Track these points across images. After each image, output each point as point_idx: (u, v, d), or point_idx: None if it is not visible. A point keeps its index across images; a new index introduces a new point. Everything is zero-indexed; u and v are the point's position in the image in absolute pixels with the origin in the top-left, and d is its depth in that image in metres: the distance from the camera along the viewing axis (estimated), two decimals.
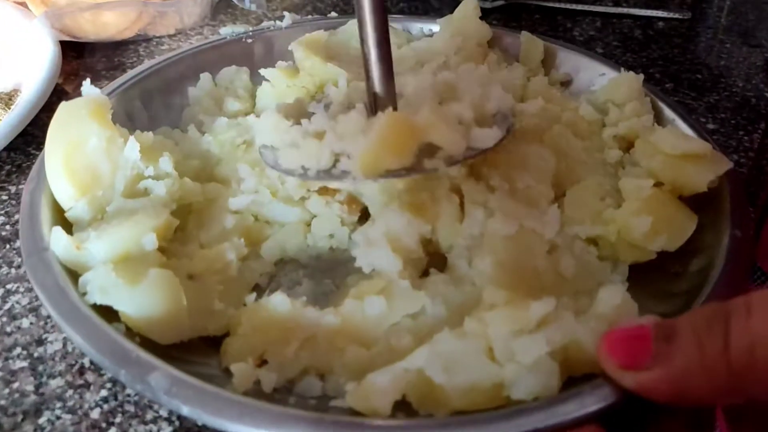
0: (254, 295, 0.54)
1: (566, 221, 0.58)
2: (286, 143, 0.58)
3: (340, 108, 0.61)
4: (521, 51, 0.79)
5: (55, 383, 0.51)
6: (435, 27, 0.82)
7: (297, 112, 0.62)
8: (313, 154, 0.55)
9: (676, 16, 1.01)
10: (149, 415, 0.49)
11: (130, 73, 0.72)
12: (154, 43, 0.95)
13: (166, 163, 0.59)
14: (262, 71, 0.74)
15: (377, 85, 0.57)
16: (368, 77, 0.57)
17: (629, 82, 0.69)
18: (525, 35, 0.79)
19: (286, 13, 0.83)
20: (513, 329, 0.43)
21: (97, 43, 0.93)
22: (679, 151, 0.58)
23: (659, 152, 0.59)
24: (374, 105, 0.57)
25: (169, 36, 0.97)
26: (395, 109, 0.56)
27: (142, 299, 0.48)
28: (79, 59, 0.91)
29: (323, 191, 0.61)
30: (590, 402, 0.42)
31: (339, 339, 0.50)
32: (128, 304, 0.47)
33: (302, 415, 0.41)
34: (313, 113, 0.60)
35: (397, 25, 0.83)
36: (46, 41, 0.82)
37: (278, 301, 0.51)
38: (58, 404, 0.50)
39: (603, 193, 0.60)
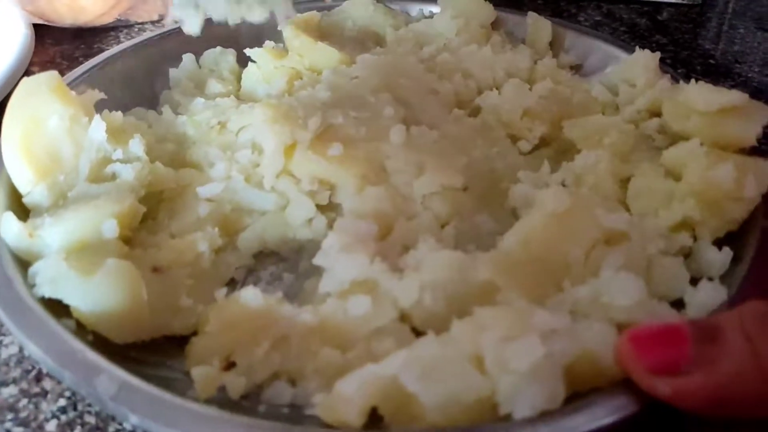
0: (225, 290, 0.48)
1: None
2: None
3: None
4: (528, 33, 0.76)
5: (8, 392, 0.46)
6: (435, 8, 0.79)
7: None
8: None
9: (685, 1, 0.97)
10: (111, 428, 0.44)
11: (108, 52, 0.68)
12: (136, 29, 0.91)
13: (136, 145, 0.54)
14: (248, 51, 0.70)
15: None
16: None
17: (645, 61, 0.65)
18: (531, 16, 0.75)
19: None
20: (507, 335, 0.38)
21: (75, 29, 0.89)
22: (716, 106, 0.53)
23: (693, 112, 0.54)
24: None
25: (152, 22, 0.92)
26: None
27: (95, 292, 0.43)
28: (56, 46, 0.87)
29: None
30: (603, 413, 0.37)
31: (314, 340, 0.44)
32: (80, 298, 0.43)
33: (269, 427, 0.37)
34: None
35: (394, 6, 0.79)
36: (16, 23, 0.77)
37: (249, 296, 0.45)
38: (10, 415, 0.45)
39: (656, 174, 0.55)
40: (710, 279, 0.47)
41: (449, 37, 0.72)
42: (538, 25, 0.75)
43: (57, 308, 0.43)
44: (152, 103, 0.68)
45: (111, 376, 0.38)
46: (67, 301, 0.43)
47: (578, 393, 0.39)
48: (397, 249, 0.50)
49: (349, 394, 0.38)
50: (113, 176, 0.53)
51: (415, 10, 0.80)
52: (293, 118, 0.56)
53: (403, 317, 0.45)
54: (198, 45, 0.71)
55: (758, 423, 0.38)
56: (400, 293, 0.44)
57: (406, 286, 0.44)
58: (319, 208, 0.56)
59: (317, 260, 0.48)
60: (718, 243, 0.50)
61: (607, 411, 0.37)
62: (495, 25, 0.76)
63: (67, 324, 0.42)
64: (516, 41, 0.76)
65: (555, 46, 0.75)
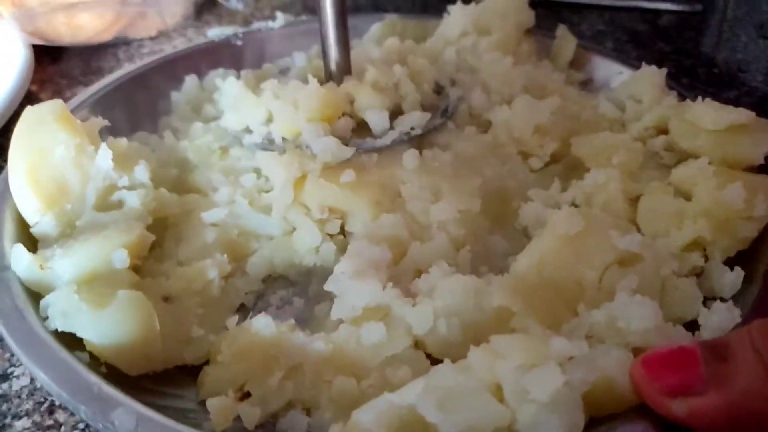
0: (236, 318, 0.48)
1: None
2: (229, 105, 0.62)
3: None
4: (554, 45, 0.75)
5: (21, 425, 0.45)
6: None
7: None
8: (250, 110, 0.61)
9: (686, 8, 0.96)
10: None
11: (110, 77, 0.68)
12: (135, 46, 0.90)
13: (141, 172, 0.54)
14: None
15: (332, 64, 0.63)
16: (325, 55, 0.62)
17: (651, 77, 0.65)
18: (561, 29, 0.75)
19: (278, 13, 0.79)
20: (525, 364, 0.38)
21: (73, 47, 0.88)
22: (723, 124, 0.53)
23: (700, 130, 0.54)
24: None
25: (151, 38, 0.92)
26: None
27: (108, 325, 0.42)
28: (54, 64, 0.86)
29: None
30: None
31: (327, 369, 0.44)
32: (92, 331, 0.42)
33: None
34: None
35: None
36: (16, 44, 0.76)
37: (262, 325, 0.45)
38: None
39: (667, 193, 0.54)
40: (723, 299, 0.47)
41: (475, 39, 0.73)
42: (564, 41, 0.75)
43: (70, 340, 0.42)
44: (152, 124, 0.68)
45: (128, 409, 0.38)
46: (80, 334, 0.42)
47: (594, 419, 0.38)
48: (410, 274, 0.49)
49: (367, 424, 0.38)
50: (120, 204, 0.52)
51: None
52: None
53: (418, 344, 0.45)
54: (201, 67, 0.72)
55: None
56: (413, 321, 0.44)
57: (419, 313, 0.44)
58: (329, 235, 0.55)
59: (328, 286, 0.47)
60: (730, 262, 0.50)
61: None
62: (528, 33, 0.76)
63: (80, 356, 0.42)
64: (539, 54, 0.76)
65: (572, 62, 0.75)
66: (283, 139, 0.59)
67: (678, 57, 0.87)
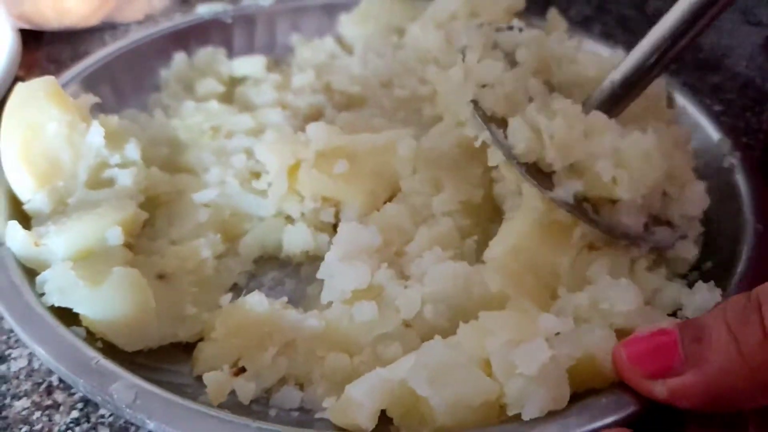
0: (230, 295, 0.49)
1: None
2: None
3: None
4: (545, 29, 0.74)
5: (21, 405, 0.46)
6: None
7: None
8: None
9: None
10: None
11: (98, 54, 0.68)
12: (122, 30, 0.90)
13: (132, 150, 0.54)
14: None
15: None
16: None
17: None
18: (552, 12, 0.76)
19: None
20: (513, 340, 0.39)
21: (60, 32, 0.87)
22: None
23: None
24: None
25: (138, 22, 0.91)
26: None
27: (104, 301, 0.43)
28: (42, 49, 0.85)
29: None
30: (609, 412, 0.38)
31: (321, 345, 0.45)
32: (89, 307, 0.43)
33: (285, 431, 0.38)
34: None
35: None
36: (4, 29, 0.76)
37: (255, 302, 0.46)
38: (24, 428, 0.44)
39: None
40: (683, 276, 0.50)
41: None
42: (554, 24, 0.75)
43: (66, 316, 0.43)
44: (141, 102, 0.68)
45: (126, 383, 0.39)
46: (76, 309, 0.43)
47: (576, 393, 0.40)
48: (407, 258, 0.50)
49: (360, 398, 0.39)
50: (111, 182, 0.53)
51: None
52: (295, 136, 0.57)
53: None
54: (190, 44, 0.72)
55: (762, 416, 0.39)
56: (401, 304, 0.45)
57: (407, 297, 0.45)
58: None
59: (321, 274, 0.48)
60: (714, 245, 0.52)
61: (613, 409, 0.38)
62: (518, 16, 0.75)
63: (77, 331, 0.42)
64: None
65: None
66: None
67: None
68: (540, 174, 0.48)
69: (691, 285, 0.48)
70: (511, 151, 0.48)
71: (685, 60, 0.83)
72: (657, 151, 0.48)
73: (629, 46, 0.68)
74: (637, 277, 0.48)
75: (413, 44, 0.71)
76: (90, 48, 0.85)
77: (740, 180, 0.55)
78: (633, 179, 0.47)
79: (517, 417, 0.38)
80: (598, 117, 0.49)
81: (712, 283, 0.47)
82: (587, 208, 0.48)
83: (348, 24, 0.76)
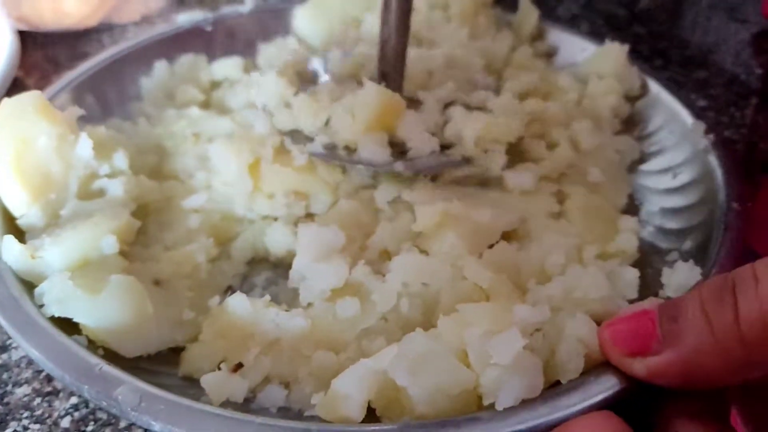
0: (218, 299, 0.50)
1: None
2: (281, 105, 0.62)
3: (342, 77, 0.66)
4: (517, 17, 0.77)
5: (21, 392, 0.48)
6: None
7: (298, 76, 0.67)
8: (309, 113, 0.59)
9: None
10: (122, 423, 0.46)
11: (82, 66, 0.68)
12: (119, 30, 0.91)
13: (120, 159, 0.56)
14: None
15: (389, 65, 0.60)
16: (381, 56, 0.60)
17: (615, 53, 0.68)
18: (523, 2, 0.77)
19: None
20: (490, 330, 0.41)
21: (59, 33, 0.89)
22: None
23: None
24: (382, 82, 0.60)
25: (135, 23, 0.92)
26: (401, 90, 0.60)
27: (103, 309, 0.45)
28: (40, 50, 0.87)
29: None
30: (596, 391, 0.40)
31: (306, 344, 0.46)
32: (89, 316, 0.45)
33: (289, 427, 0.39)
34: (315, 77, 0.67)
35: None
36: (3, 31, 0.77)
37: (237, 303, 0.48)
38: (26, 414, 0.46)
39: None
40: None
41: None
42: (526, 13, 0.76)
43: (66, 325, 0.44)
44: (124, 111, 0.69)
45: (131, 386, 0.40)
46: (76, 319, 0.44)
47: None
48: (377, 255, 0.52)
49: (346, 390, 0.41)
50: (101, 192, 0.54)
51: None
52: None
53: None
54: (171, 53, 0.73)
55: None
56: (378, 298, 0.47)
57: (383, 291, 0.47)
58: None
59: (292, 281, 0.50)
60: (693, 225, 0.55)
61: (601, 389, 0.40)
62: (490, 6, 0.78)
63: (79, 340, 0.44)
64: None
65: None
66: (346, 148, 0.58)
67: (652, 39, 0.89)
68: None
69: (671, 264, 0.50)
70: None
71: (672, 56, 0.85)
72: None
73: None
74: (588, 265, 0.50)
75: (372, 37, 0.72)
76: (88, 49, 0.86)
77: (714, 160, 0.57)
78: None
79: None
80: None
81: (691, 262, 0.49)
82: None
83: (302, 19, 0.77)
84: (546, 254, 0.50)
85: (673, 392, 0.39)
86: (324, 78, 0.68)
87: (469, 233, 0.51)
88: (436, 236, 0.51)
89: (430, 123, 0.59)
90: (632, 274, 0.49)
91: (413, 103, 0.61)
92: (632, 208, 0.60)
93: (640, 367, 0.39)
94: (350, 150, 0.57)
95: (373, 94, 0.56)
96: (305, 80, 0.68)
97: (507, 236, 0.53)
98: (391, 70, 0.61)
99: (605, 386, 0.40)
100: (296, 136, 0.60)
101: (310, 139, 0.59)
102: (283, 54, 0.72)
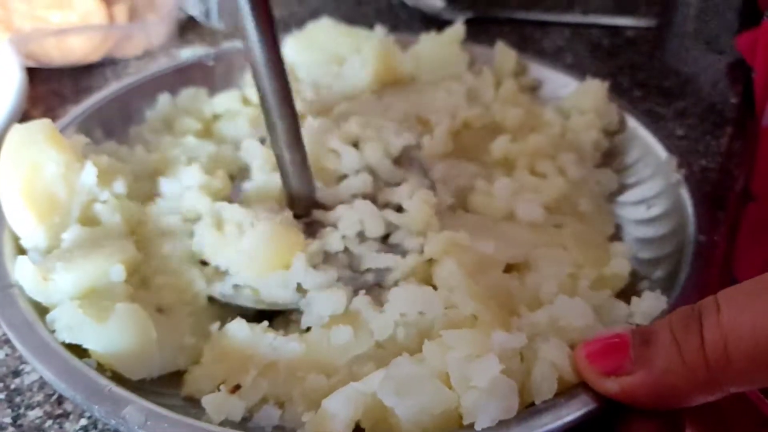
0: (218, 324, 0.53)
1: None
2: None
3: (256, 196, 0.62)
4: (495, 61, 0.80)
5: (34, 414, 0.50)
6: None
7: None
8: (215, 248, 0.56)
9: (642, 24, 1.02)
10: None
11: (91, 99, 0.72)
12: (122, 65, 0.94)
13: (120, 187, 0.58)
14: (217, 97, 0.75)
15: (290, 185, 0.59)
16: (283, 177, 0.59)
17: (594, 89, 0.72)
18: (499, 45, 0.80)
19: None
20: (470, 354, 0.44)
21: (64, 68, 0.92)
22: None
23: None
24: (291, 203, 0.60)
25: (137, 58, 0.96)
26: (308, 210, 0.60)
27: (110, 336, 0.47)
28: (46, 84, 0.90)
29: None
30: (567, 412, 0.43)
31: (301, 367, 0.49)
32: (97, 342, 0.47)
33: None
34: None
35: None
36: (12, 68, 0.81)
37: (236, 328, 0.51)
38: None
39: None
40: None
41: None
42: (503, 55, 0.80)
43: (77, 348, 0.47)
44: (124, 136, 0.72)
45: (137, 406, 0.43)
46: (85, 345, 0.47)
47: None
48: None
49: (334, 410, 0.44)
50: (99, 218, 0.57)
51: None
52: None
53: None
54: (174, 86, 0.76)
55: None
56: (375, 327, 0.50)
57: (381, 320, 0.50)
58: None
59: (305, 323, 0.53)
60: (663, 255, 0.58)
61: (572, 409, 0.43)
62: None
63: (89, 363, 0.47)
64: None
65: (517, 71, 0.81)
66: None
67: (633, 70, 0.92)
68: None
69: (640, 293, 0.53)
70: None
71: (651, 87, 0.88)
72: None
73: (600, 75, 0.74)
74: (581, 296, 0.53)
75: (349, 76, 0.77)
76: (92, 83, 0.90)
77: (684, 194, 0.61)
78: None
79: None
80: None
81: (658, 291, 0.52)
82: None
83: (291, 48, 0.81)
84: (541, 282, 0.54)
85: (636, 411, 0.42)
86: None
87: (471, 263, 0.53)
88: (439, 263, 0.54)
89: (335, 244, 0.57)
90: (622, 310, 0.52)
91: (313, 227, 0.59)
92: (617, 236, 0.64)
93: (613, 385, 0.42)
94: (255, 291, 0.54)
95: (266, 232, 0.53)
96: (241, 175, 0.65)
97: (511, 267, 0.57)
98: (295, 188, 0.59)
99: (576, 407, 0.43)
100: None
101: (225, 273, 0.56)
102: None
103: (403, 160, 0.65)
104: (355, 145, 0.65)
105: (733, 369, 0.37)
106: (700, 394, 0.40)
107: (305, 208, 0.60)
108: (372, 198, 0.60)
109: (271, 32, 0.52)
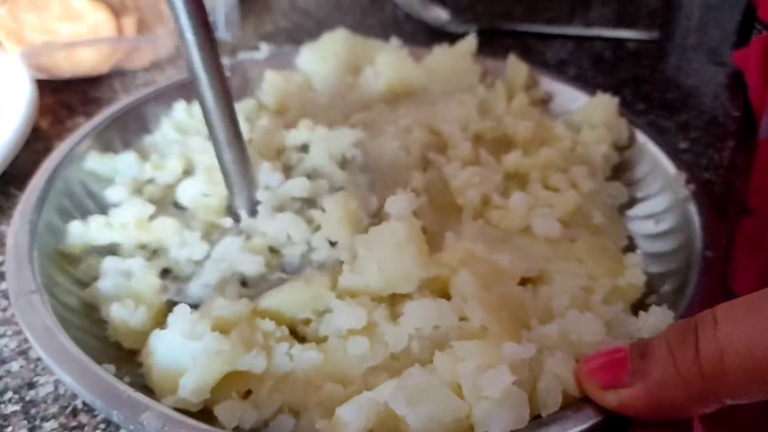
0: None
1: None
2: None
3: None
4: (507, 75, 0.81)
5: (49, 426, 0.51)
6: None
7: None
8: None
9: (644, 36, 1.03)
10: None
11: (105, 112, 0.73)
12: (130, 76, 0.95)
13: None
14: None
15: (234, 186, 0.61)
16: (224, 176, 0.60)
17: (605, 104, 0.72)
18: (511, 58, 0.81)
19: (262, 44, 0.84)
20: (481, 365, 0.44)
21: (72, 79, 0.93)
22: None
23: None
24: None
25: (145, 69, 0.97)
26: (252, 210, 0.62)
27: None
28: (55, 96, 0.91)
29: None
30: (572, 425, 0.44)
31: (318, 376, 0.50)
32: None
33: None
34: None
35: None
36: (23, 80, 0.82)
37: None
38: None
39: None
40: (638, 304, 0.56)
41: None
42: (515, 69, 0.80)
43: (97, 355, 0.48)
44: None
45: (156, 413, 0.44)
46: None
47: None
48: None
49: (348, 418, 0.45)
50: None
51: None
52: None
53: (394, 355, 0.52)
54: (191, 96, 0.75)
55: None
56: (391, 340, 0.51)
57: (396, 333, 0.51)
58: None
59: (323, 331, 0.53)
60: (670, 270, 0.58)
61: (577, 422, 0.44)
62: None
63: (108, 368, 0.47)
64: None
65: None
66: None
67: (636, 83, 0.93)
68: None
69: (647, 308, 0.53)
70: None
71: (654, 100, 0.89)
72: None
73: (601, 87, 0.75)
74: (594, 309, 0.54)
75: (364, 87, 0.78)
76: (100, 95, 0.91)
77: (692, 209, 0.62)
78: None
79: None
80: None
81: (665, 306, 0.53)
82: None
83: (308, 56, 0.82)
84: (554, 296, 0.54)
85: (642, 423, 0.43)
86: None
87: (486, 275, 0.54)
88: (455, 273, 0.54)
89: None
90: (634, 324, 0.53)
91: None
92: (630, 248, 0.64)
93: (612, 398, 0.43)
94: None
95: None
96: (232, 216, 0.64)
97: (526, 280, 0.57)
98: (236, 189, 0.61)
99: (581, 419, 0.44)
100: None
101: None
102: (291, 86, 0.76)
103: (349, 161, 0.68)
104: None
105: (728, 381, 0.38)
106: (697, 406, 0.40)
107: (249, 208, 0.62)
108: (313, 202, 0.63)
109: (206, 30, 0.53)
